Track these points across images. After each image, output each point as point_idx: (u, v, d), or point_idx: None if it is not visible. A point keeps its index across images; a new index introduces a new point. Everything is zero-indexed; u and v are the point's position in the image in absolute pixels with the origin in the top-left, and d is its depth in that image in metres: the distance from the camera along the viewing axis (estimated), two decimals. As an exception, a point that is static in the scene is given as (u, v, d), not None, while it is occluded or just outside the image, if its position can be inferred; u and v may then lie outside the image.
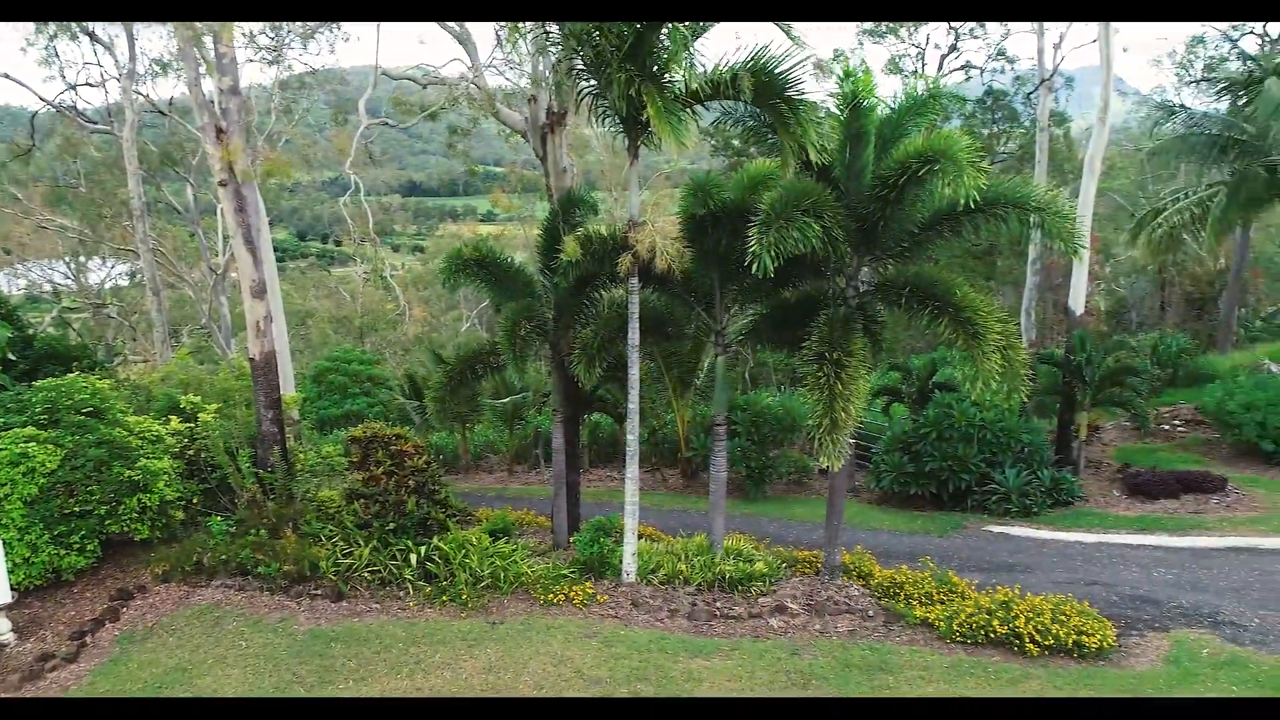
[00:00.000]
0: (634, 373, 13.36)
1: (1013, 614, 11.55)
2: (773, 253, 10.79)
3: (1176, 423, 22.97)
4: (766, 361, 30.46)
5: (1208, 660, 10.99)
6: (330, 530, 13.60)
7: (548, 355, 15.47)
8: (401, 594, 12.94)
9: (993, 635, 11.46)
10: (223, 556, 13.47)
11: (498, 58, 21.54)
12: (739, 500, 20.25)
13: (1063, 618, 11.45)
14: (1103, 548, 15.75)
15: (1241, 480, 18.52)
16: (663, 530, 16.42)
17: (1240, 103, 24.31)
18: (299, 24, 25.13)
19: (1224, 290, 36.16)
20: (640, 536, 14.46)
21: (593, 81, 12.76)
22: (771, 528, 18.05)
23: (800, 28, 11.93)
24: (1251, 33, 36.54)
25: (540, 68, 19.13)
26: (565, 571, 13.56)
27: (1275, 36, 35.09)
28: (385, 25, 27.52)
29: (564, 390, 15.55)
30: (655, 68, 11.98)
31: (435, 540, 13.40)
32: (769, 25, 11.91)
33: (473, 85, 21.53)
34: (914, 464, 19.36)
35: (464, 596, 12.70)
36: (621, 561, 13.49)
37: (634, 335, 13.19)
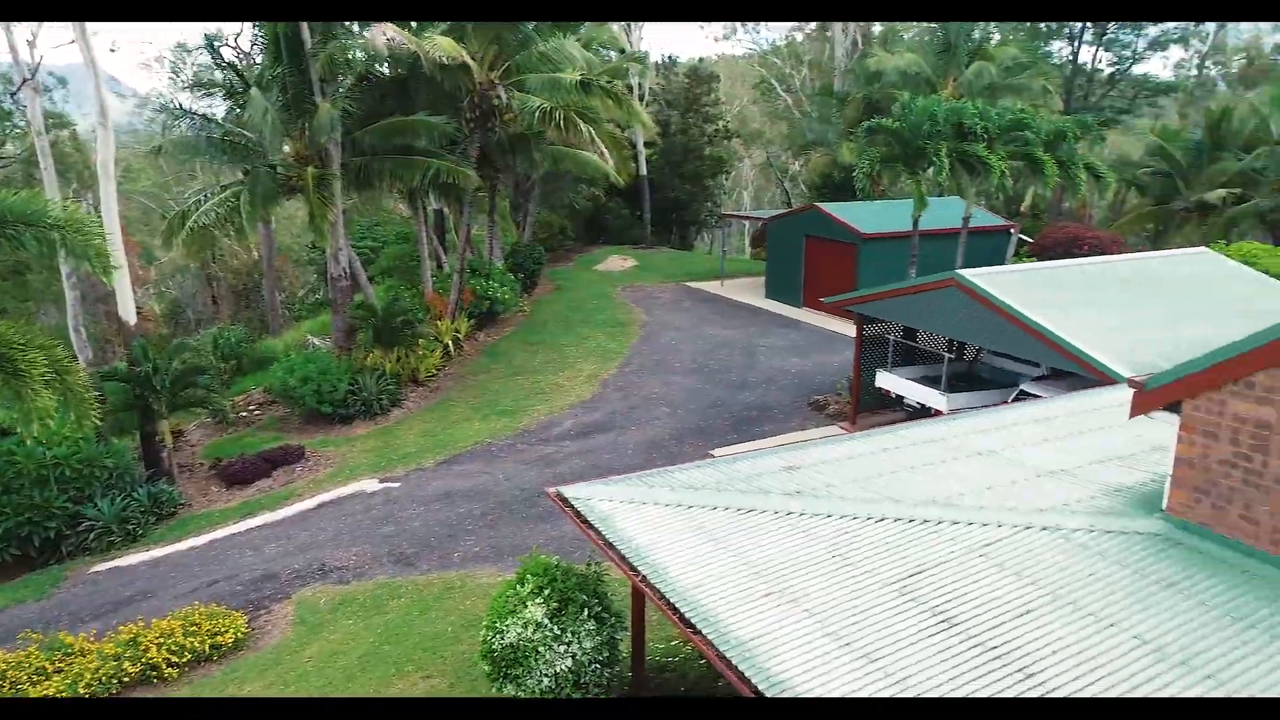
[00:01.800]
0: None
1: (143, 647, 11.06)
2: None
3: (253, 407, 24.65)
4: None
5: (326, 608, 12.51)
6: None
7: None
8: None
9: (128, 679, 10.79)
10: None
11: None
12: None
13: (194, 628, 11.49)
14: (216, 545, 16.13)
15: (315, 444, 21.09)
16: None
17: (237, 108, 26.54)
18: None
19: (263, 279, 39.96)
20: None
21: None
22: None
23: None
24: (228, 45, 40.04)
25: None
26: None
27: (249, 49, 39.21)
28: None
29: None
30: None
31: None
32: None
33: None
34: (-16, 530, 16.38)
35: None
36: None
37: None
